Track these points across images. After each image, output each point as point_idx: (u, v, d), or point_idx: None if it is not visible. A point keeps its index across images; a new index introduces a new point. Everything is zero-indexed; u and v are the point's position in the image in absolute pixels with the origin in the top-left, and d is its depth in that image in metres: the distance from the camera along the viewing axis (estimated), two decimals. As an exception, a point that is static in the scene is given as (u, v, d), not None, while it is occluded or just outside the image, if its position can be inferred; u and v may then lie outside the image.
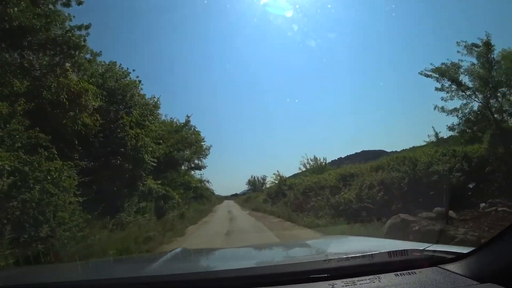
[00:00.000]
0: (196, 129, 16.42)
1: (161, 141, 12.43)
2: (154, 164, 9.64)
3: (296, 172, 21.42)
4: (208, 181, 30.07)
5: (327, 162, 19.57)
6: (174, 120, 16.20)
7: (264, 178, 50.56)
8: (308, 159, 20.19)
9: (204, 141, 17.83)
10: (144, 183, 9.87)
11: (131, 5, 36.88)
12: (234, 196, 70.04)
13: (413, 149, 11.47)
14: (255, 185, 50.65)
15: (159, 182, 11.38)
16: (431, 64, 7.95)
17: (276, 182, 18.57)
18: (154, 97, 12.29)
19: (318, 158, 19.95)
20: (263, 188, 45.43)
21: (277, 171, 18.38)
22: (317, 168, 18.42)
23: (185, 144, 14.87)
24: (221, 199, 55.91)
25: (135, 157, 8.79)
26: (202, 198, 26.23)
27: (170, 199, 12.09)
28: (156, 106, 12.48)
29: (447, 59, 7.87)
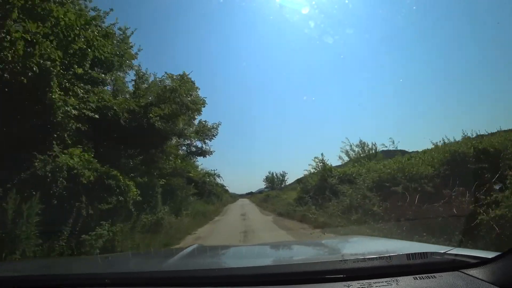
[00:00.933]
0: (193, 82, 14.53)
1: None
2: (74, 113, 7.59)
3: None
4: (219, 175, 34.04)
5: (378, 149, 21.08)
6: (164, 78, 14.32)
7: (283, 175, 67.06)
8: (351, 145, 22.28)
9: (204, 104, 15.70)
10: (51, 155, 7.23)
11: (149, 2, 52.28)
12: (250, 195, 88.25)
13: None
14: (273, 182, 68.05)
15: (85, 153, 8.49)
16: None
17: (316, 170, 18.65)
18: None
19: (366, 143, 21.73)
20: (283, 185, 61.49)
21: (322, 154, 18.49)
22: (367, 156, 20.02)
23: (171, 103, 13.11)
24: (235, 197, 73.44)
25: (20, 88, 6.31)
26: (211, 196, 30.77)
27: (115, 194, 8.86)
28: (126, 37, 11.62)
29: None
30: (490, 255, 1.35)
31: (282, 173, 67.58)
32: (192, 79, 14.31)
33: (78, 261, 2.81)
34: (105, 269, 2.00)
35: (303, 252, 2.43)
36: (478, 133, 10.67)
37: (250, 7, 52.76)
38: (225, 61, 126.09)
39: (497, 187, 5.93)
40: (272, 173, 69.12)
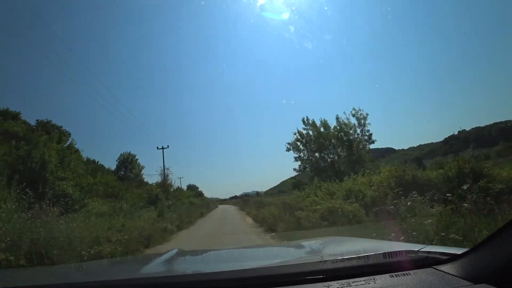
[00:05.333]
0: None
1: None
2: None
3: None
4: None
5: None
6: None
7: (364, 116, 25.80)
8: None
9: None
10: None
11: (125, 4, 54.36)
12: (235, 199, 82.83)
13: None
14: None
15: None
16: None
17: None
18: None
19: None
20: (368, 148, 25.79)
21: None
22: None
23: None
24: (214, 202, 64.41)
25: None
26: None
27: None
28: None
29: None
30: (459, 251, 1.42)
31: (357, 112, 27.05)
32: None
33: (50, 270, 2.67)
34: (79, 278, 1.90)
35: (283, 254, 2.45)
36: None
37: (231, 9, 55.59)
38: (203, 64, 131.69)
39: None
40: (325, 120, 27.75)
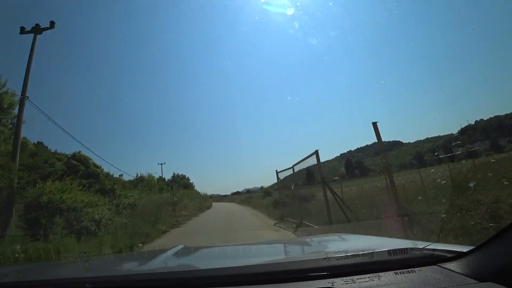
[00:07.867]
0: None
1: None
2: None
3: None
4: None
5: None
6: None
7: None
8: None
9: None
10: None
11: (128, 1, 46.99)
12: (237, 194, 77.77)
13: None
14: None
15: None
16: None
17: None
18: None
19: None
20: None
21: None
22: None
23: None
24: (210, 198, 50.09)
25: None
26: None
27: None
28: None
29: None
30: (465, 249, 1.42)
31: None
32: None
33: (57, 266, 2.73)
34: (85, 273, 1.94)
35: (287, 250, 2.48)
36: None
37: (234, 6, 57.06)
38: (207, 61, 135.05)
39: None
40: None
